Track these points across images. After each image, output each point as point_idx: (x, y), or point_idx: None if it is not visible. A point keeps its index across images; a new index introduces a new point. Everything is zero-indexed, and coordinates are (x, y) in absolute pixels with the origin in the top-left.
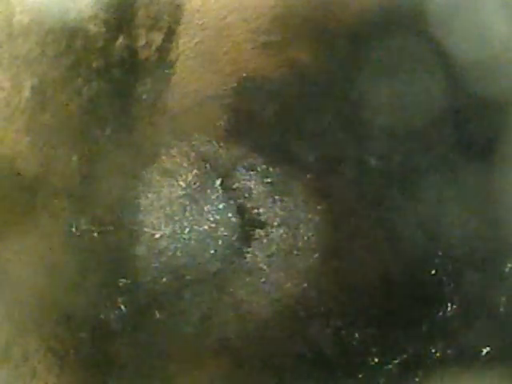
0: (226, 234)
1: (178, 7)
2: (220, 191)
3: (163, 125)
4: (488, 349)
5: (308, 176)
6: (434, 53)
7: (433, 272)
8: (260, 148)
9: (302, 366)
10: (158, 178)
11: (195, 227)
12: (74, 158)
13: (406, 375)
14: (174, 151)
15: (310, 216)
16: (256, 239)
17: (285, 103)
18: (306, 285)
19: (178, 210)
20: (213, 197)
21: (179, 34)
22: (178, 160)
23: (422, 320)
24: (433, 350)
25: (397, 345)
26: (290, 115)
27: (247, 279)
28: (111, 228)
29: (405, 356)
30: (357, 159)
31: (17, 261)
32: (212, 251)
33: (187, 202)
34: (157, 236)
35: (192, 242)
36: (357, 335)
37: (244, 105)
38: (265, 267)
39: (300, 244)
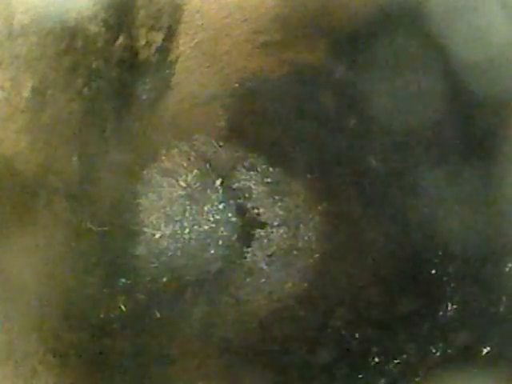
0: (226, 234)
1: (178, 7)
2: (220, 191)
3: (163, 125)
4: (488, 349)
5: (308, 176)
6: (434, 53)
7: (433, 272)
8: (260, 148)
9: (302, 366)
10: (158, 178)
11: (195, 227)
12: (74, 158)
13: (406, 375)
14: (174, 151)
15: (310, 216)
16: (256, 239)
17: (285, 103)
18: (306, 285)
19: (177, 210)
20: (213, 197)
21: (179, 33)
22: (178, 160)
23: (422, 320)
24: (433, 350)
25: (397, 345)
26: (290, 115)
27: (247, 279)
28: (111, 228)
29: (405, 356)
30: (357, 159)
31: (16, 260)
32: (212, 251)
33: (187, 202)
34: (157, 236)
35: (192, 241)
36: (357, 335)
37: (244, 105)
38: (265, 267)
39: (300, 244)
